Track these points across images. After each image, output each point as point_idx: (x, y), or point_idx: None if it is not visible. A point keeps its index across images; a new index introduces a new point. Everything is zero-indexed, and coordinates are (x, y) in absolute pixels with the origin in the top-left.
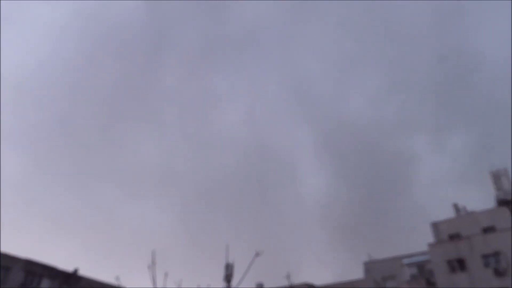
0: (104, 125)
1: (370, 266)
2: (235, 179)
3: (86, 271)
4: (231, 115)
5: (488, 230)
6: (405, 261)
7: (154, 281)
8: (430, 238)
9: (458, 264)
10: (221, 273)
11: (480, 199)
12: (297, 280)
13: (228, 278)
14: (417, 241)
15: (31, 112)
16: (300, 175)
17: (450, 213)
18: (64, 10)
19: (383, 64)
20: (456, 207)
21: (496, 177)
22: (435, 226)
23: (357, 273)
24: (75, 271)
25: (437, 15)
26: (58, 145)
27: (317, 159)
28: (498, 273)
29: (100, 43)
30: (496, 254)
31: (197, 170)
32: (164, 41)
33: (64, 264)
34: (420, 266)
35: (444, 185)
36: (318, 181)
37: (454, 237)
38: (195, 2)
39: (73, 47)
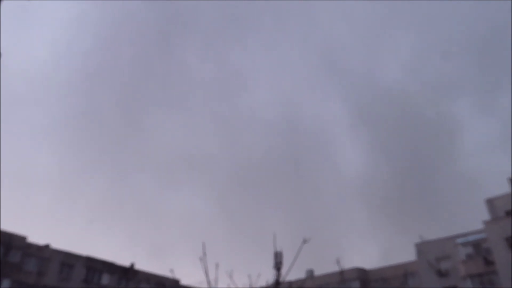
0: (130, 113)
1: (422, 247)
2: (270, 160)
3: (134, 263)
4: (258, 92)
5: None
6: (460, 240)
7: (206, 272)
8: (484, 214)
9: None
10: (267, 258)
11: None
12: (347, 264)
13: (278, 266)
14: (470, 216)
15: (57, 106)
16: (336, 151)
17: (504, 185)
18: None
19: (417, 23)
20: (511, 181)
21: None
22: (490, 202)
23: (405, 250)
24: (132, 266)
25: None
26: (87, 137)
27: (353, 132)
28: None
29: (116, 29)
30: None
31: (229, 153)
32: (180, 20)
33: (113, 256)
34: (476, 245)
35: (494, 152)
36: (356, 156)
37: (511, 213)
38: None
39: (90, 37)
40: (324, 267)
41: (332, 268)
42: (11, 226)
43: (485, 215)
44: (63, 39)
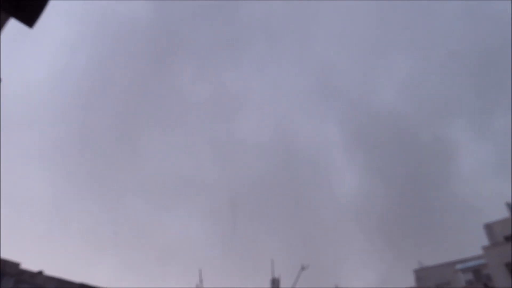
0: (124, 135)
1: (421, 274)
2: (266, 183)
3: None
4: (253, 114)
5: None
6: (459, 266)
7: None
8: (483, 239)
9: None
10: (264, 285)
11: None
12: None
13: None
14: (468, 241)
15: (50, 129)
16: (332, 174)
17: (502, 209)
18: (72, 19)
19: (412, 46)
20: (509, 206)
21: None
22: (489, 227)
23: (404, 276)
24: None
25: None
26: (81, 160)
27: (349, 154)
28: None
29: (111, 51)
30: None
31: (225, 176)
32: (175, 43)
33: (107, 282)
34: (476, 271)
35: (491, 176)
36: (353, 179)
37: (510, 238)
38: (203, 1)
39: (84, 60)
40: None
41: None
42: (4, 252)
43: (484, 240)
44: (59, 62)
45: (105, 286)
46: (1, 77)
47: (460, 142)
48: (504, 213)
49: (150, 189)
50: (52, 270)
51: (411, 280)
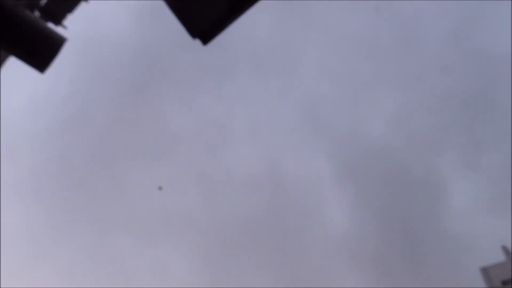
0: (107, 168)
1: None
2: (254, 218)
3: None
4: (240, 147)
5: None
6: None
7: None
8: (479, 281)
9: None
10: None
11: None
12: None
13: None
14: (464, 283)
15: (28, 160)
16: (323, 208)
17: (497, 248)
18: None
19: (398, 80)
20: (505, 250)
21: None
22: (485, 271)
23: None
24: None
25: (454, 24)
26: (60, 191)
27: (340, 189)
28: None
29: (93, 78)
30: None
31: (212, 210)
32: (159, 72)
33: None
34: None
35: (483, 212)
36: (343, 214)
37: (507, 283)
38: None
39: (66, 85)
40: None
41: None
42: None
43: (480, 283)
44: (40, 90)
45: None
46: None
47: (450, 176)
48: (498, 252)
49: (134, 223)
50: None
51: None
